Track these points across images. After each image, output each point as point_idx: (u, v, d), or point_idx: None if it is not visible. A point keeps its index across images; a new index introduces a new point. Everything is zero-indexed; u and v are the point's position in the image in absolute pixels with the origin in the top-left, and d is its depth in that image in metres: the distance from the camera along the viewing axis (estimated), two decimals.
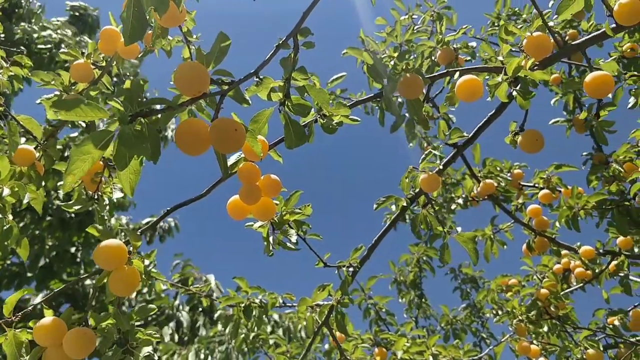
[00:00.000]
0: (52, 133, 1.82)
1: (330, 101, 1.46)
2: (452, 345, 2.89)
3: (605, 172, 2.59)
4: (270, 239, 1.72)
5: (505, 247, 3.00)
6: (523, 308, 2.82)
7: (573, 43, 1.81)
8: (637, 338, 2.67)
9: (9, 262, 7.38)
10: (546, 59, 1.66)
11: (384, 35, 2.45)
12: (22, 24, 7.81)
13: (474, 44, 2.52)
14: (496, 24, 2.84)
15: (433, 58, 2.52)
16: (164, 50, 1.93)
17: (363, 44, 2.28)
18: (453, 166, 3.44)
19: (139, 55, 1.88)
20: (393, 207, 2.31)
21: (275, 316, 6.76)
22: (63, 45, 7.82)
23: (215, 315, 3.59)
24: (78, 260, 7.68)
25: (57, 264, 7.42)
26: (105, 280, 1.35)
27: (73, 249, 7.66)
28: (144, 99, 0.97)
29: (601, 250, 2.75)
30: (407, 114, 1.85)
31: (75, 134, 7.05)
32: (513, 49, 1.72)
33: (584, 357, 2.55)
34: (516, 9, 2.97)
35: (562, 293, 2.79)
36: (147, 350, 1.50)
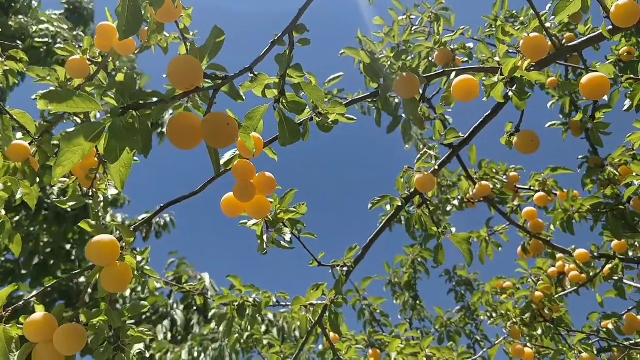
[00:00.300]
0: (47, 129, 1.81)
1: (326, 100, 1.46)
2: (446, 347, 2.89)
3: (600, 176, 2.60)
4: (265, 237, 1.72)
5: (500, 249, 3.00)
6: (517, 311, 2.82)
7: (570, 44, 1.81)
8: (631, 342, 2.68)
9: (3, 259, 7.35)
10: (542, 60, 1.66)
11: (381, 35, 2.45)
12: (20, 16, 7.79)
13: (471, 45, 2.52)
14: (493, 26, 2.84)
15: (430, 59, 2.52)
16: (160, 46, 1.92)
17: (361, 44, 2.29)
18: (449, 168, 3.45)
19: (136, 51, 1.88)
20: (388, 207, 2.31)
21: (270, 316, 6.75)
22: (59, 40, 7.79)
23: (210, 314, 3.59)
24: (73, 257, 7.65)
25: (52, 261, 7.40)
26: (97, 276, 1.34)
27: (68, 246, 7.64)
28: (137, 92, 0.96)
29: (596, 254, 2.76)
30: (403, 115, 1.85)
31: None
32: (510, 50, 1.72)
33: None
34: (514, 12, 2.97)
35: (556, 296, 2.80)
36: (138, 347, 1.50)
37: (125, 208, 8.65)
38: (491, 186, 2.63)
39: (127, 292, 6.80)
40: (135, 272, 1.42)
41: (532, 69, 1.57)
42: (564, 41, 2.53)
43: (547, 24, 1.92)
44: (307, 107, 1.43)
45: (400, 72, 1.56)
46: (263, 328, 6.44)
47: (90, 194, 1.78)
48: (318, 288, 2.09)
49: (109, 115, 0.92)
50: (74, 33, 8.23)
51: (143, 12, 1.19)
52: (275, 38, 1.27)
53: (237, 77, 1.16)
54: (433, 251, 2.22)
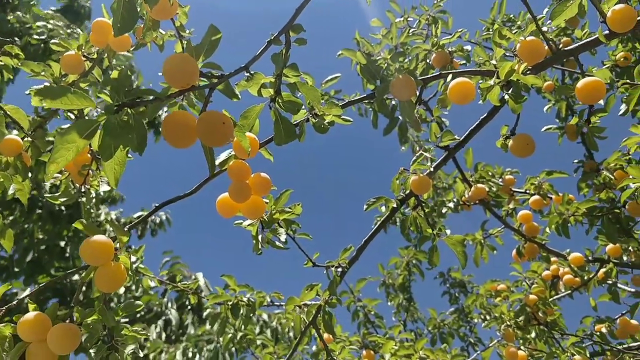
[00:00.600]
0: (40, 124, 1.80)
1: (323, 101, 1.45)
2: (439, 349, 2.89)
3: (596, 180, 2.61)
4: (259, 237, 1.71)
5: (495, 252, 3.00)
6: (511, 313, 2.82)
7: (566, 49, 1.81)
8: (624, 346, 2.68)
9: None
10: (539, 63, 1.66)
11: (379, 37, 2.45)
12: (18, 12, 7.75)
13: (468, 47, 2.52)
14: (491, 30, 2.84)
15: (428, 61, 2.52)
16: (156, 44, 1.91)
17: (358, 46, 2.28)
18: (445, 170, 3.45)
19: (131, 49, 1.87)
20: (383, 209, 2.31)
21: (265, 316, 6.74)
22: (57, 38, 7.75)
23: (204, 313, 3.58)
24: (67, 255, 7.62)
25: (46, 258, 7.37)
26: (91, 276, 1.33)
27: (62, 243, 7.60)
28: (132, 90, 0.96)
29: (590, 258, 2.77)
30: (400, 117, 1.85)
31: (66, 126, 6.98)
32: (507, 54, 1.72)
33: None
34: (511, 15, 2.98)
35: (550, 299, 2.80)
36: (132, 347, 1.49)
37: (119, 204, 8.63)
38: (487, 189, 2.64)
39: (122, 291, 6.77)
40: (129, 272, 1.41)
41: (528, 72, 1.57)
42: (560, 45, 2.54)
43: (544, 28, 1.92)
44: (304, 107, 1.43)
45: (397, 74, 1.56)
46: (257, 329, 6.43)
47: (83, 190, 1.77)
48: (312, 288, 2.08)
49: (103, 112, 0.91)
50: (69, 31, 8.19)
51: (138, 9, 1.18)
52: (272, 37, 1.27)
53: (233, 75, 1.16)
54: (427, 253, 2.22)
